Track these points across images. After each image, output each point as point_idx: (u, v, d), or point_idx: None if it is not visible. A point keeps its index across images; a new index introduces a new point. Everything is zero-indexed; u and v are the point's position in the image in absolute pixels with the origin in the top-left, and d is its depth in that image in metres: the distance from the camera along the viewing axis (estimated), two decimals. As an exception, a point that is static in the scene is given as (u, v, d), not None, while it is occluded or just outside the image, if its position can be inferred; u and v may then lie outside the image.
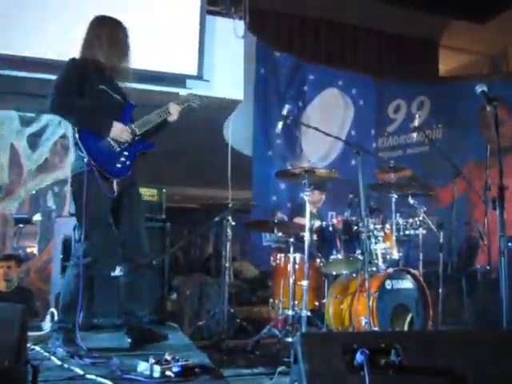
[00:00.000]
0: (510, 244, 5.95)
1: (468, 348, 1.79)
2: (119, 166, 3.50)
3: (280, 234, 4.70)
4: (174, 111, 3.72)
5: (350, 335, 2.27)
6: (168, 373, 2.77)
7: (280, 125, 4.42)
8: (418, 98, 8.41)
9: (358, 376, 1.68)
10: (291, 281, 4.52)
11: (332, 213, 6.77)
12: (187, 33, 6.18)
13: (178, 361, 2.84)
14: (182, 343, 3.90)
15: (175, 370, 2.79)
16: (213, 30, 6.44)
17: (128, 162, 3.54)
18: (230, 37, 6.47)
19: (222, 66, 6.40)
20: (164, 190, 5.01)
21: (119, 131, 3.47)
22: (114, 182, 3.49)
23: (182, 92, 5.71)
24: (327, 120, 7.73)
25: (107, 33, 3.57)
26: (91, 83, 3.46)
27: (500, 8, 9.33)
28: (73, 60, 3.52)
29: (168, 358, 2.85)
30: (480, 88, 3.18)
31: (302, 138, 7.65)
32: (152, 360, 2.82)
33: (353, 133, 8.15)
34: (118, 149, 3.49)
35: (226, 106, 6.61)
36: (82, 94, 3.42)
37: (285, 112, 4.41)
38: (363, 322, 4.17)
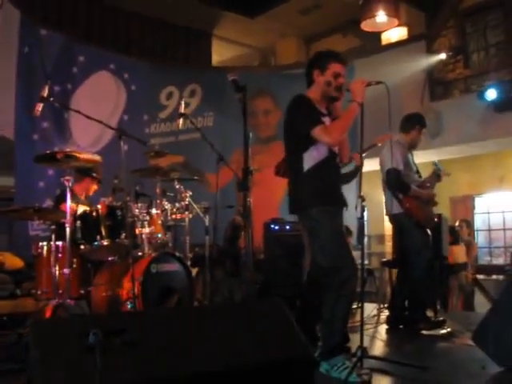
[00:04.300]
0: (272, 226, 6.44)
1: (199, 321, 1.89)
2: None
3: (40, 221, 4.47)
4: None
5: (85, 319, 2.25)
6: None
7: (39, 106, 4.19)
8: (190, 85, 8.58)
9: (91, 358, 1.67)
10: (54, 270, 4.33)
11: (105, 199, 6.62)
12: None
13: None
14: None
15: None
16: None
17: None
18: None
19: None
20: None
21: None
22: None
23: None
24: (98, 104, 7.51)
25: None
26: None
27: (268, 5, 9.96)
28: None
29: None
30: (231, 77, 3.34)
31: (71, 121, 7.36)
32: None
33: (125, 118, 8.05)
34: None
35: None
36: None
37: (44, 93, 4.19)
38: (129, 307, 4.17)
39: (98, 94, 7.79)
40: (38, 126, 7.09)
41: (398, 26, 9.23)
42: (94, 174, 5.32)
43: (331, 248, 3.28)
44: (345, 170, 5.49)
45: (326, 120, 3.39)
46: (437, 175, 5.02)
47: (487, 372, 3.21)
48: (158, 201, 4.84)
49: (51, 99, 4.38)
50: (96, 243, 4.45)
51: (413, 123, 4.91)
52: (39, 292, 4.58)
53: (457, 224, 8.29)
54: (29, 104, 6.90)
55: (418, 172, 4.97)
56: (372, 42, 10.20)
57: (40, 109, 4.22)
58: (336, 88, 3.37)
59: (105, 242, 4.45)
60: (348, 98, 3.35)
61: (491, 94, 7.72)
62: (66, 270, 4.16)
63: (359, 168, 5.13)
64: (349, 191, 5.42)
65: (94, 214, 4.50)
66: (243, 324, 2.07)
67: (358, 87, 3.27)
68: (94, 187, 5.48)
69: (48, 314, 4.37)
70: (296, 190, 3.44)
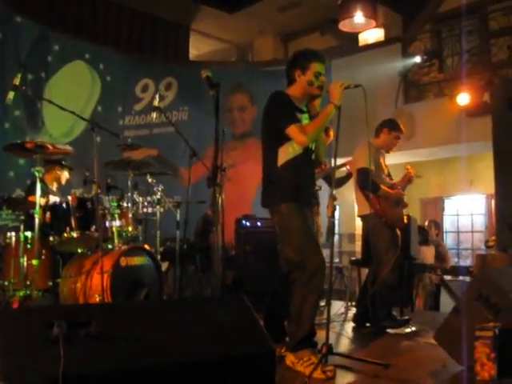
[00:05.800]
0: (243, 222, 6.46)
1: (162, 315, 1.90)
2: None
3: (9, 211, 4.43)
4: None
5: (50, 309, 2.24)
6: None
7: (11, 95, 4.15)
8: (167, 78, 8.55)
9: (55, 349, 1.67)
10: (22, 260, 4.29)
11: (76, 191, 6.56)
12: None
13: None
14: None
15: None
16: None
17: None
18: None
19: None
20: None
21: None
22: None
23: None
24: (72, 94, 7.44)
25: None
26: None
27: (247, 1, 9.96)
28: None
29: None
30: (205, 73, 3.36)
31: (44, 111, 7.27)
32: None
33: (99, 109, 7.97)
34: None
35: None
36: None
37: (17, 81, 4.14)
38: (98, 300, 4.15)
39: (72, 84, 7.70)
40: (10, 115, 6.98)
41: (376, 27, 9.31)
42: (63, 162, 5.26)
43: (299, 243, 3.33)
44: (336, 175, 5.55)
45: (305, 118, 3.44)
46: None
47: (448, 370, 3.28)
48: (130, 194, 4.83)
49: (24, 88, 4.34)
50: (65, 235, 4.42)
51: (381, 127, 5.00)
52: (6, 283, 4.54)
53: (426, 224, 8.44)
54: (1, 92, 6.80)
55: (389, 175, 5.05)
56: (349, 43, 10.28)
57: (12, 97, 4.18)
58: (318, 86, 3.42)
59: (74, 234, 4.42)
60: (328, 99, 3.39)
61: (464, 99, 7.86)
62: (34, 261, 4.14)
63: (351, 175, 5.21)
64: (323, 190, 5.50)
65: (64, 205, 4.46)
66: (206, 318, 2.10)
67: (337, 89, 3.31)
68: (66, 176, 5.41)
69: (15, 305, 4.33)
70: (268, 184, 3.49)
